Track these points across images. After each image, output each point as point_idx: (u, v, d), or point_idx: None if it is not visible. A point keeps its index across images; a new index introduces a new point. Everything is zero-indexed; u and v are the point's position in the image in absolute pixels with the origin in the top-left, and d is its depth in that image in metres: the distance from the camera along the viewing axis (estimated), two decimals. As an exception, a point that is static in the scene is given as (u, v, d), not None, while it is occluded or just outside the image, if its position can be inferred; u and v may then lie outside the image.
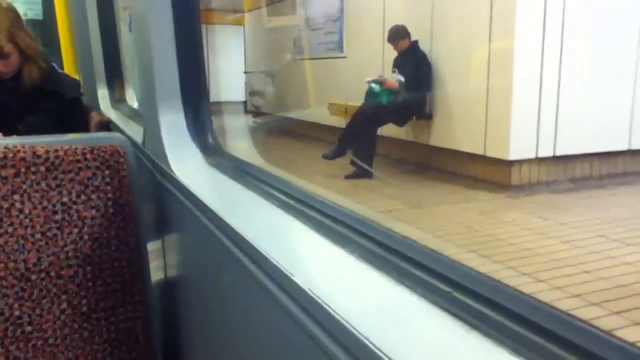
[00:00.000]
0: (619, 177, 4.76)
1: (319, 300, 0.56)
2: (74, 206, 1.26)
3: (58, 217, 1.24)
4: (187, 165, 1.27)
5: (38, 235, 1.22)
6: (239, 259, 0.80)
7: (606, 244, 3.11)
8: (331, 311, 0.54)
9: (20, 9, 2.29)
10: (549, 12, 4.31)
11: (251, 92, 10.09)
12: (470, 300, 0.51)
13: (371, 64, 5.91)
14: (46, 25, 3.85)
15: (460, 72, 4.97)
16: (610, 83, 4.57)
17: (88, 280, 1.28)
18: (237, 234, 0.81)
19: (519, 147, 4.41)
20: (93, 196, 1.27)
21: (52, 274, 1.24)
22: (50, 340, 1.25)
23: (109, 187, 1.29)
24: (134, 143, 1.49)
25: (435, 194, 4.56)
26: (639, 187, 4.65)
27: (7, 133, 1.78)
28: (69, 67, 3.30)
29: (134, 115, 2.33)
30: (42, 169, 1.22)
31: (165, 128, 1.34)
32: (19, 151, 1.21)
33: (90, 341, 1.29)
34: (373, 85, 5.16)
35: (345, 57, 6.88)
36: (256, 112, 9.76)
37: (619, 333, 2.08)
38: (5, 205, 1.19)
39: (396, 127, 5.43)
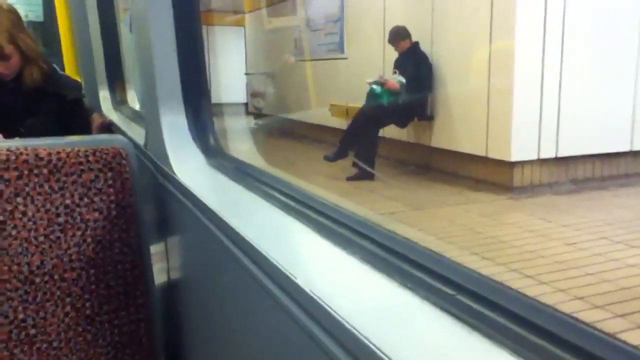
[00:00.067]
0: (621, 178, 4.75)
1: (321, 302, 0.56)
2: (77, 209, 1.26)
3: (61, 219, 1.24)
4: (188, 166, 1.27)
5: (41, 238, 1.22)
6: (241, 260, 0.80)
7: (609, 246, 3.10)
8: (333, 313, 0.54)
9: (21, 11, 2.30)
10: (550, 11, 4.30)
11: (252, 94, 10.09)
12: (472, 303, 0.51)
13: (372, 65, 5.91)
14: (47, 26, 3.86)
15: (461, 72, 4.97)
16: (612, 83, 4.57)
17: (91, 283, 1.28)
18: (238, 235, 0.81)
19: (520, 149, 4.40)
20: (96, 198, 1.28)
21: (56, 276, 1.24)
22: (55, 344, 1.25)
23: (111, 189, 1.29)
24: (135, 145, 1.50)
25: (437, 196, 4.56)
26: (641, 188, 4.65)
27: (9, 135, 1.78)
28: (70, 69, 3.31)
29: (135, 117, 2.34)
30: (45, 171, 1.23)
31: (166, 130, 1.34)
32: (21, 153, 1.21)
33: (94, 344, 1.29)
34: (374, 86, 5.16)
35: (346, 58, 6.88)
36: (257, 114, 9.77)
37: (623, 336, 2.08)
38: (9, 207, 1.19)
39: (397, 128, 5.43)
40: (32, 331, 1.22)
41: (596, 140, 4.60)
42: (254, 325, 0.82)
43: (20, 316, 1.21)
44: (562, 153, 4.52)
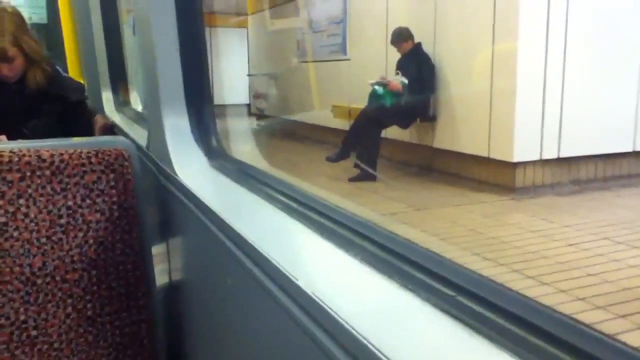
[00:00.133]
0: (624, 179, 4.74)
1: (322, 303, 0.56)
2: (79, 210, 1.26)
3: (63, 221, 1.25)
4: (191, 168, 1.27)
5: (43, 239, 1.23)
6: (242, 261, 0.80)
7: (611, 247, 3.10)
8: (334, 314, 0.54)
9: (25, 13, 2.31)
10: (552, 12, 4.30)
11: (255, 95, 10.10)
12: (473, 304, 0.51)
13: (374, 66, 5.91)
14: (50, 29, 3.87)
15: (463, 73, 4.97)
16: (615, 84, 4.56)
17: (93, 284, 1.28)
18: (240, 236, 0.81)
19: (523, 149, 4.39)
20: (98, 200, 1.28)
21: (58, 278, 1.25)
22: (56, 345, 1.25)
23: (113, 191, 1.29)
24: (138, 146, 1.50)
25: (439, 196, 4.55)
26: (644, 189, 4.64)
27: (12, 137, 1.79)
28: (73, 71, 3.32)
29: (138, 118, 2.34)
30: (47, 172, 1.23)
31: (169, 131, 1.35)
32: (24, 155, 1.21)
33: (96, 345, 1.30)
34: (376, 87, 5.16)
35: (349, 60, 6.88)
36: (260, 115, 9.78)
37: (625, 337, 2.08)
38: (11, 209, 1.20)
39: (400, 129, 5.43)
40: (34, 332, 1.23)
41: (599, 141, 4.59)
42: (255, 326, 0.82)
43: (22, 317, 1.22)
44: (565, 154, 4.51)
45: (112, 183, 1.29)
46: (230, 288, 0.92)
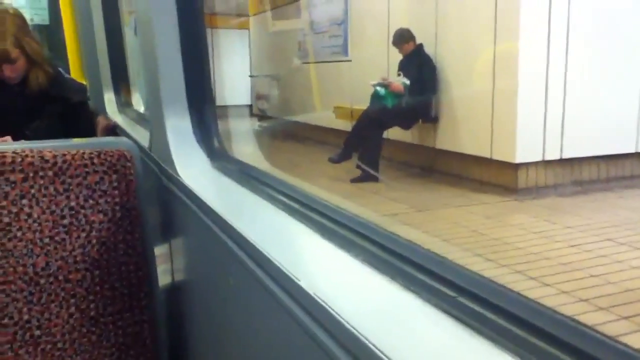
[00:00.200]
0: (627, 180, 4.73)
1: (323, 304, 0.56)
2: (82, 210, 1.27)
3: (66, 221, 1.25)
4: (193, 169, 1.28)
5: (46, 240, 1.23)
6: (244, 262, 0.80)
7: (614, 248, 3.09)
8: (336, 315, 0.54)
9: (27, 15, 2.31)
10: (554, 12, 4.29)
11: (257, 96, 10.11)
12: (474, 305, 0.51)
13: (376, 67, 5.91)
14: (52, 30, 3.88)
15: (465, 74, 4.97)
16: (617, 84, 4.55)
17: (96, 285, 1.29)
18: (242, 237, 0.81)
19: (525, 150, 4.39)
20: (100, 200, 1.28)
21: (61, 278, 1.25)
22: (59, 344, 1.26)
23: (116, 192, 1.30)
24: (140, 147, 1.50)
25: (441, 197, 4.55)
26: (646, 190, 4.63)
27: (14, 138, 1.79)
28: (75, 72, 3.32)
29: (140, 119, 2.35)
30: (50, 173, 1.23)
31: (171, 132, 1.35)
32: (27, 156, 1.22)
33: (98, 345, 1.30)
34: (378, 88, 5.16)
35: (350, 61, 6.89)
36: (262, 116, 9.78)
37: (627, 338, 2.07)
38: (14, 209, 1.20)
39: (402, 130, 5.42)
40: (37, 332, 1.23)
41: (601, 142, 4.58)
42: (257, 327, 0.82)
43: (25, 317, 1.22)
44: (567, 154, 4.51)
45: (115, 184, 1.30)
46: (232, 288, 0.93)
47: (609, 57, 4.47)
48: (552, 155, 4.47)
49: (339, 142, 5.45)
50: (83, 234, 1.27)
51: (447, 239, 3.40)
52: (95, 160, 1.28)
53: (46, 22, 4.01)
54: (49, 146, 1.27)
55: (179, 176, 1.23)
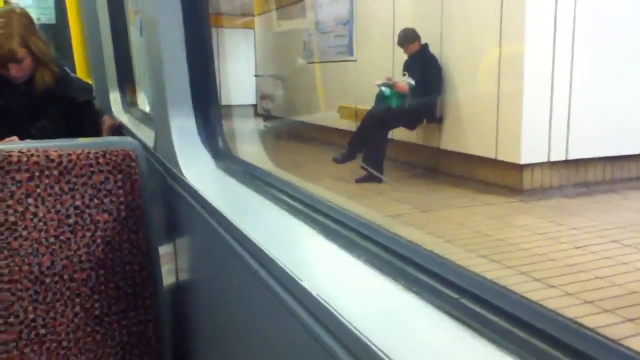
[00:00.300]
0: (632, 181, 4.71)
1: (327, 305, 0.57)
2: (87, 210, 1.27)
3: (71, 220, 1.26)
4: (197, 169, 1.28)
5: (52, 239, 1.24)
6: (248, 262, 0.80)
7: (619, 250, 3.08)
8: (338, 316, 0.54)
9: (33, 14, 2.32)
10: (560, 13, 4.28)
11: (261, 96, 10.12)
12: (477, 307, 0.51)
13: (381, 68, 5.91)
14: (59, 29, 3.90)
15: (470, 75, 4.96)
16: (623, 85, 4.53)
17: (101, 284, 1.29)
18: (246, 237, 0.82)
19: (530, 151, 4.38)
20: (105, 200, 1.29)
21: (66, 277, 1.26)
22: (64, 343, 1.26)
23: (121, 191, 1.30)
24: (145, 147, 1.51)
25: (446, 198, 4.54)
26: (652, 191, 4.61)
27: (20, 137, 1.80)
28: (81, 71, 3.34)
29: (145, 119, 2.35)
30: (56, 172, 1.24)
31: (176, 132, 1.35)
32: (32, 155, 1.22)
33: (103, 344, 1.31)
34: (383, 88, 5.15)
35: (355, 61, 6.88)
36: (266, 116, 9.79)
37: (632, 341, 2.06)
38: (20, 208, 1.21)
39: (406, 130, 5.42)
40: (42, 331, 1.24)
41: (607, 143, 4.56)
42: (260, 327, 0.82)
43: (31, 316, 1.23)
44: (573, 156, 4.49)
45: (120, 183, 1.30)
46: (236, 288, 0.93)
47: (615, 57, 4.45)
48: (558, 156, 4.45)
49: (344, 142, 5.45)
50: (88, 234, 1.27)
51: (451, 239, 3.39)
52: (101, 160, 1.28)
53: (52, 21, 4.03)
54: (54, 145, 1.28)
55: (184, 176, 1.24)
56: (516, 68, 4.35)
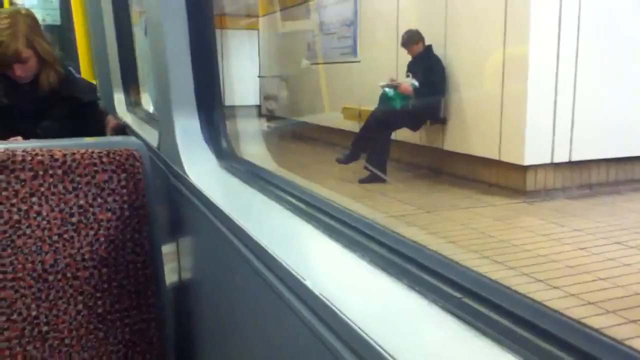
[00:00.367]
0: (636, 183, 4.70)
1: (330, 304, 0.57)
2: (90, 209, 1.28)
3: (75, 219, 1.26)
4: (201, 169, 1.28)
5: (55, 237, 1.24)
6: (251, 262, 0.80)
7: (622, 251, 3.07)
8: (341, 315, 0.54)
9: (39, 15, 2.33)
10: (564, 14, 4.27)
11: (265, 96, 10.13)
12: (480, 306, 0.51)
13: (385, 69, 5.90)
14: (64, 30, 3.92)
15: (474, 76, 4.95)
16: (628, 87, 4.52)
17: (103, 282, 1.30)
18: (249, 237, 0.82)
19: (534, 152, 4.37)
20: (109, 199, 1.29)
21: (69, 275, 1.26)
22: (66, 341, 1.27)
23: (124, 190, 1.31)
24: (149, 147, 1.51)
25: (449, 199, 4.54)
26: (656, 193, 4.59)
27: (25, 137, 1.81)
28: (85, 72, 3.35)
29: (149, 119, 2.36)
30: (60, 172, 1.25)
31: (179, 132, 1.36)
32: (36, 154, 1.23)
33: (105, 342, 1.31)
34: (387, 89, 5.15)
35: (359, 62, 6.89)
36: (270, 116, 9.80)
37: (634, 342, 2.06)
38: (24, 207, 1.21)
39: (410, 131, 5.42)
40: (45, 328, 1.24)
41: (610, 145, 4.55)
42: (263, 326, 0.82)
43: (34, 313, 1.23)
44: (576, 157, 4.48)
45: (123, 182, 1.31)
46: (239, 287, 0.93)
47: (619, 59, 4.44)
48: (561, 157, 4.44)
49: (347, 143, 5.45)
50: (91, 232, 1.28)
51: (454, 240, 3.39)
52: (105, 159, 1.29)
53: (57, 22, 4.05)
54: (58, 145, 1.28)
55: (187, 176, 1.24)
56: (520, 69, 4.35)
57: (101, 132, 2.21)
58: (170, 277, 1.45)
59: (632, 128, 4.59)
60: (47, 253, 1.23)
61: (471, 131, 4.95)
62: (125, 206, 1.31)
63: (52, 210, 1.24)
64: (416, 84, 5.08)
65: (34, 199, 1.22)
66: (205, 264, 1.22)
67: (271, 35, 9.93)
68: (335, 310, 0.55)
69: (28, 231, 1.22)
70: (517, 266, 2.86)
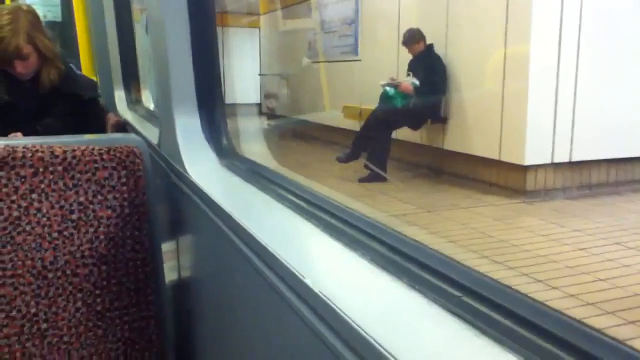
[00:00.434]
0: (636, 184, 4.70)
1: (330, 303, 0.57)
2: (90, 206, 1.28)
3: (74, 216, 1.26)
4: (201, 166, 1.28)
5: (55, 234, 1.24)
6: (251, 260, 0.80)
7: (622, 252, 3.07)
8: (341, 313, 0.54)
9: (40, 11, 2.33)
10: (566, 14, 4.27)
11: (266, 95, 10.13)
12: (479, 305, 0.51)
13: (386, 67, 5.90)
14: (65, 27, 3.91)
15: (475, 75, 4.95)
16: (628, 88, 4.52)
17: (103, 280, 1.30)
18: (249, 235, 0.82)
19: (534, 152, 4.37)
20: (109, 196, 1.29)
21: (68, 272, 1.26)
22: (65, 338, 1.27)
23: (124, 188, 1.31)
24: (149, 144, 1.51)
25: (449, 198, 4.54)
26: (656, 194, 4.59)
27: (25, 134, 1.81)
28: (86, 69, 3.35)
29: (149, 116, 2.36)
30: (60, 168, 1.24)
31: (180, 130, 1.36)
32: (37, 151, 1.23)
33: (104, 339, 1.31)
34: (387, 88, 5.15)
35: (360, 60, 6.88)
36: (271, 115, 9.80)
37: (634, 343, 2.06)
38: (24, 204, 1.21)
39: (410, 130, 5.42)
40: (44, 325, 1.24)
41: (611, 145, 4.55)
42: (262, 323, 0.82)
43: (33, 310, 1.23)
44: (576, 157, 4.48)
45: (124, 180, 1.31)
46: (239, 285, 0.93)
47: (620, 59, 4.44)
48: (561, 157, 4.45)
49: (347, 142, 5.45)
50: (91, 229, 1.28)
51: (454, 240, 3.39)
52: (105, 156, 1.29)
53: (59, 19, 4.04)
54: (59, 142, 1.28)
55: (188, 173, 1.24)
56: (521, 69, 4.35)
57: (102, 129, 2.21)
58: (170, 275, 1.45)
59: (632, 128, 4.59)
60: (46, 250, 1.23)
61: (472, 131, 4.95)
62: (126, 203, 1.31)
63: (52, 207, 1.24)
64: (417, 83, 5.08)
65: (34, 196, 1.22)
66: (205, 262, 1.22)
67: (272, 33, 9.92)
68: (335, 308, 0.55)
69: (28, 228, 1.22)
70: (516, 266, 2.86)
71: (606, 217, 3.94)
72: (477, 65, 4.88)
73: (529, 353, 0.44)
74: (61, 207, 1.25)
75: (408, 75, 5.24)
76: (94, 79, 2.89)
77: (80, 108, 2.09)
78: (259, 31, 10.50)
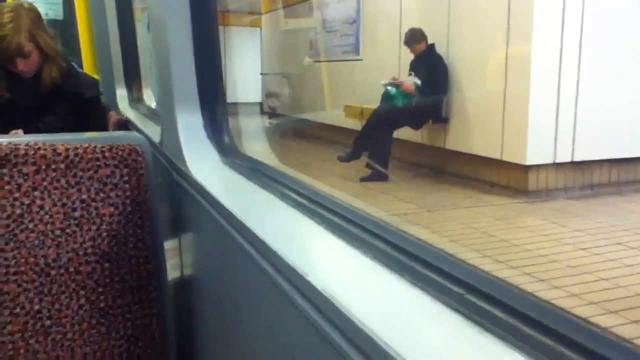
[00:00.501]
0: (638, 184, 4.69)
1: (333, 300, 0.57)
2: (93, 203, 1.28)
3: (77, 214, 1.26)
4: (203, 165, 1.28)
5: (57, 232, 1.25)
6: (254, 258, 0.80)
7: (624, 252, 3.07)
8: (344, 311, 0.54)
9: (41, 9, 2.33)
10: (568, 14, 4.27)
11: (267, 94, 10.13)
12: (483, 303, 0.51)
13: (387, 67, 5.90)
14: (66, 25, 3.91)
15: (477, 75, 4.94)
16: (630, 88, 4.51)
17: (105, 277, 1.30)
18: (252, 233, 0.82)
19: (536, 152, 4.37)
20: (111, 194, 1.29)
21: (71, 269, 1.26)
22: (69, 335, 1.27)
23: (126, 185, 1.31)
24: (151, 142, 1.51)
25: (451, 198, 4.54)
26: (657, 194, 4.59)
27: (27, 132, 1.81)
28: (88, 67, 3.35)
29: (151, 114, 2.36)
30: (62, 166, 1.25)
31: (182, 128, 1.36)
32: (39, 148, 1.23)
33: (107, 337, 1.31)
34: (389, 88, 5.15)
35: (362, 60, 6.88)
36: (272, 114, 9.80)
37: (636, 342, 2.05)
38: (26, 201, 1.22)
39: (412, 130, 5.41)
40: (47, 322, 1.25)
41: (613, 145, 4.55)
42: (265, 321, 0.82)
43: (36, 307, 1.23)
44: (578, 157, 4.48)
45: (126, 177, 1.31)
46: (241, 283, 0.93)
47: (622, 59, 4.44)
48: (563, 157, 4.44)
49: (349, 141, 5.45)
50: (93, 227, 1.28)
51: (456, 239, 3.39)
52: (107, 154, 1.29)
53: (60, 17, 4.04)
54: (61, 139, 1.28)
55: (189, 172, 1.24)
56: (523, 69, 4.34)
57: (103, 128, 2.21)
58: (172, 272, 1.46)
59: (634, 128, 4.58)
60: (49, 247, 1.24)
61: (473, 130, 4.94)
62: (128, 201, 1.31)
63: (55, 205, 1.24)
64: (418, 82, 5.08)
65: (37, 193, 1.22)
66: (207, 260, 1.22)
67: (274, 33, 9.92)
68: (337, 306, 0.55)
69: (31, 225, 1.22)
70: (518, 266, 2.86)
71: (608, 217, 3.94)
72: (479, 65, 4.88)
73: (532, 350, 0.44)
74: (63, 205, 1.25)
75: (410, 74, 5.24)
76: (96, 77, 2.89)
77: (82, 106, 2.09)
78: (261, 30, 10.49)
